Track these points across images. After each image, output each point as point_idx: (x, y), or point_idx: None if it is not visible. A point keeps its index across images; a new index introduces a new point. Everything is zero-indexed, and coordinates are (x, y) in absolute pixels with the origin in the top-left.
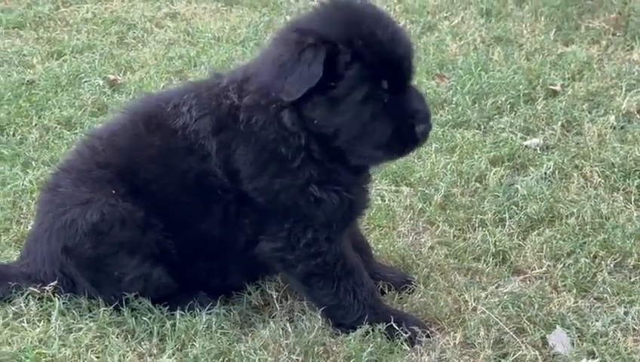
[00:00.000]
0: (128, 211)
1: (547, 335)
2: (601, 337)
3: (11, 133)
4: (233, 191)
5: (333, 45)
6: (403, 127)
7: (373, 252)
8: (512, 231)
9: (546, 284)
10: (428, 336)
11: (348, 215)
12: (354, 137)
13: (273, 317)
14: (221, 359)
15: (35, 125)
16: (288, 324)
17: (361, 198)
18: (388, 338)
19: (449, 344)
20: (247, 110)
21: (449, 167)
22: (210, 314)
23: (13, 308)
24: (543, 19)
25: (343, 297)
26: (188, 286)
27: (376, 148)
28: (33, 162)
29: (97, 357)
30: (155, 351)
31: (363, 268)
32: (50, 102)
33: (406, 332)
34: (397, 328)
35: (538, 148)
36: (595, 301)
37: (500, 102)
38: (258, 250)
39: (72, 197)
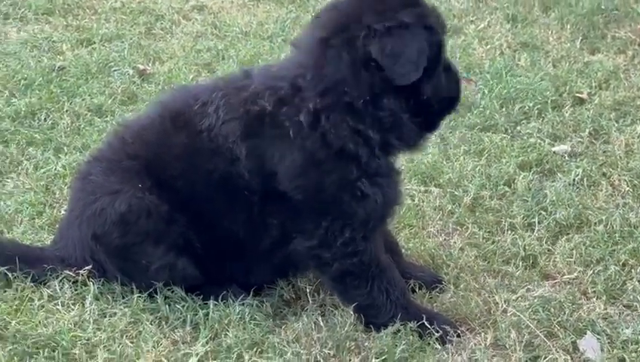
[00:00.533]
0: (154, 204)
1: (578, 341)
2: (631, 344)
3: (43, 118)
4: (259, 193)
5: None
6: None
7: (403, 251)
8: (541, 235)
9: (576, 290)
10: (459, 336)
11: (385, 212)
12: (438, 98)
13: (305, 311)
14: (254, 350)
15: (66, 111)
16: (320, 318)
17: (397, 195)
18: (419, 336)
19: (480, 344)
20: (287, 109)
21: (477, 169)
22: (242, 304)
23: (49, 291)
24: (569, 27)
25: (377, 296)
26: (214, 280)
27: (450, 99)
28: (65, 147)
29: (132, 342)
30: (188, 339)
31: (395, 268)
32: (80, 88)
33: (437, 331)
34: (429, 327)
35: (566, 155)
36: (624, 308)
37: (527, 107)
38: (292, 248)
39: (102, 187)
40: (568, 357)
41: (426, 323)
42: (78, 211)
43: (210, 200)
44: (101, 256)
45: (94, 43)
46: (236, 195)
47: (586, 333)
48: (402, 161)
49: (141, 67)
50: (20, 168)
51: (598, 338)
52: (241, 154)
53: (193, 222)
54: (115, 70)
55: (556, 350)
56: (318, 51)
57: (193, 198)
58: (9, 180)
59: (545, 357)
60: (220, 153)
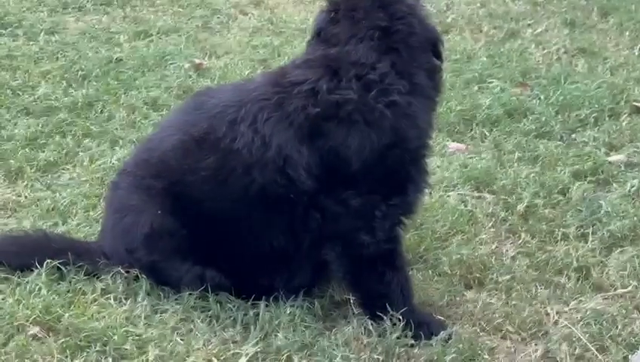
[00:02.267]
0: (174, 226)
1: (630, 356)
2: None
3: (99, 110)
4: (308, 192)
5: None
6: None
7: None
8: (594, 246)
9: (629, 304)
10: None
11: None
12: None
13: (355, 314)
14: (304, 352)
15: (123, 104)
16: (370, 322)
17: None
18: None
19: (530, 356)
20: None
21: (531, 177)
22: (293, 306)
23: (101, 285)
24: (627, 33)
25: (394, 288)
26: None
27: None
28: (120, 140)
29: (182, 340)
30: (238, 339)
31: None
32: (137, 81)
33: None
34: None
35: (622, 165)
36: None
37: (583, 115)
38: (333, 227)
39: (127, 202)
40: None
41: (424, 325)
42: (110, 224)
43: (243, 217)
44: (138, 268)
45: (151, 35)
46: (275, 206)
47: (638, 348)
48: (454, 165)
49: (197, 61)
50: (75, 160)
51: None
52: (300, 158)
53: (220, 242)
54: (171, 64)
55: None
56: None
57: (221, 219)
58: (65, 171)
59: None
60: (263, 165)
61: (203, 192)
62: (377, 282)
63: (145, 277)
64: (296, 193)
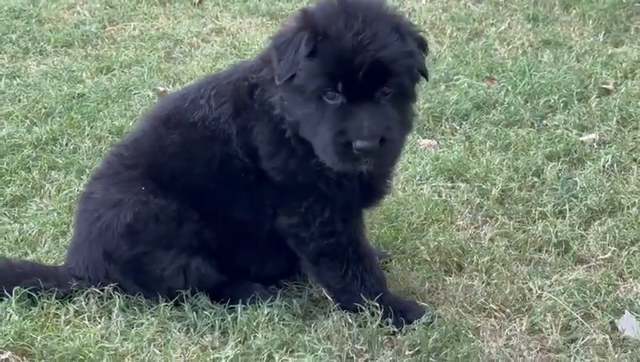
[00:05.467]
0: (161, 206)
1: (616, 320)
2: None
3: (64, 143)
4: (254, 172)
5: (314, 33)
6: (340, 137)
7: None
8: (573, 221)
9: (612, 272)
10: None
11: (368, 199)
12: (308, 133)
13: (334, 310)
14: (284, 349)
15: (87, 135)
16: (349, 315)
17: (382, 184)
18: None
19: (515, 330)
20: (261, 88)
21: (504, 163)
22: (271, 306)
23: (74, 306)
24: (591, 22)
25: (350, 282)
26: (230, 275)
27: (322, 152)
28: (87, 170)
29: (160, 351)
30: (217, 344)
31: (375, 256)
32: (101, 113)
33: (409, 323)
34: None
35: (594, 144)
36: None
37: (552, 101)
38: (276, 225)
39: (104, 202)
40: (607, 337)
41: (399, 315)
42: (85, 233)
43: (215, 190)
44: (117, 276)
45: (114, 70)
46: (235, 179)
47: (624, 313)
48: (426, 160)
49: (161, 89)
50: (42, 192)
51: (637, 317)
52: (232, 133)
53: (204, 215)
54: (135, 94)
55: (594, 331)
56: None
57: (199, 191)
58: (32, 204)
59: (583, 339)
60: (215, 138)
61: (176, 167)
62: (331, 278)
63: (118, 293)
64: (245, 171)
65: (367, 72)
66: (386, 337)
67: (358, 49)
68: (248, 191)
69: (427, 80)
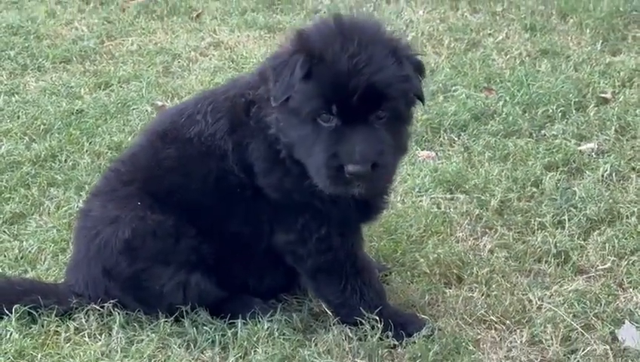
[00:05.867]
0: (158, 221)
1: (616, 330)
2: None
3: (63, 159)
4: (250, 188)
5: (310, 56)
6: (333, 160)
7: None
8: (572, 232)
9: (611, 282)
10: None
11: (365, 215)
12: (302, 155)
13: (335, 323)
14: None
15: (86, 151)
16: (349, 329)
17: (379, 201)
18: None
19: (516, 342)
20: (258, 105)
21: (503, 173)
22: (271, 321)
23: (75, 324)
24: (588, 31)
25: (349, 296)
26: (229, 290)
27: (315, 174)
28: (86, 186)
29: None
30: (217, 360)
31: (374, 270)
32: (99, 128)
33: (409, 336)
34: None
35: (593, 153)
36: None
37: (550, 110)
38: (273, 242)
39: (102, 219)
40: (607, 347)
41: (399, 328)
42: (84, 250)
43: (211, 205)
44: (116, 292)
45: (112, 85)
46: (232, 195)
47: (624, 323)
48: (425, 171)
49: (159, 103)
50: (42, 208)
51: (637, 327)
52: (228, 149)
53: (202, 231)
54: (133, 109)
55: (594, 341)
56: None
57: (196, 206)
58: (31, 221)
59: (583, 350)
60: (211, 153)
61: (172, 182)
62: (330, 293)
63: (118, 310)
64: (241, 187)
65: (362, 96)
66: (386, 350)
67: (353, 72)
68: (245, 206)
69: (424, 104)
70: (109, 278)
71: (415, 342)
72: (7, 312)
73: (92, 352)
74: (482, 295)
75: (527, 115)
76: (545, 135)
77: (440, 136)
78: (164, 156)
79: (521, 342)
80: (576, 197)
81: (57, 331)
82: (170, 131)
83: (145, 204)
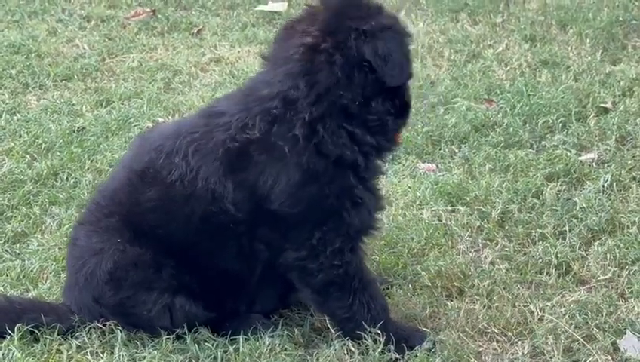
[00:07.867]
0: (137, 253)
1: (618, 341)
2: None
3: (65, 177)
4: (246, 222)
5: None
6: None
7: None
8: (573, 242)
9: (613, 292)
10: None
11: (374, 222)
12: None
13: (336, 339)
14: None
15: (88, 169)
16: (351, 343)
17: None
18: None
19: (518, 353)
20: (287, 125)
21: (504, 185)
22: (272, 336)
23: (77, 342)
24: (588, 41)
25: (357, 310)
26: (217, 313)
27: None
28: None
29: None
30: None
31: (377, 283)
32: (101, 146)
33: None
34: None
35: (594, 163)
36: None
37: (551, 121)
38: (282, 260)
39: (87, 249)
40: (609, 358)
41: (402, 342)
42: (73, 278)
43: (195, 242)
44: (109, 316)
45: (113, 102)
46: (221, 232)
47: (625, 333)
48: (426, 184)
49: (161, 120)
50: (43, 227)
51: (639, 337)
52: (226, 191)
53: (182, 265)
54: (134, 126)
55: (596, 352)
56: (306, 58)
57: (176, 243)
58: (33, 240)
59: (585, 360)
60: (197, 196)
61: (153, 221)
62: (338, 307)
63: (120, 327)
64: (234, 223)
65: None
66: None
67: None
68: (235, 240)
69: None
70: (99, 305)
71: (417, 356)
72: (9, 331)
73: None
74: (484, 307)
75: (527, 125)
76: (545, 146)
77: (440, 149)
78: (145, 198)
79: (522, 353)
80: (577, 208)
81: (60, 349)
82: (149, 170)
83: (124, 237)
